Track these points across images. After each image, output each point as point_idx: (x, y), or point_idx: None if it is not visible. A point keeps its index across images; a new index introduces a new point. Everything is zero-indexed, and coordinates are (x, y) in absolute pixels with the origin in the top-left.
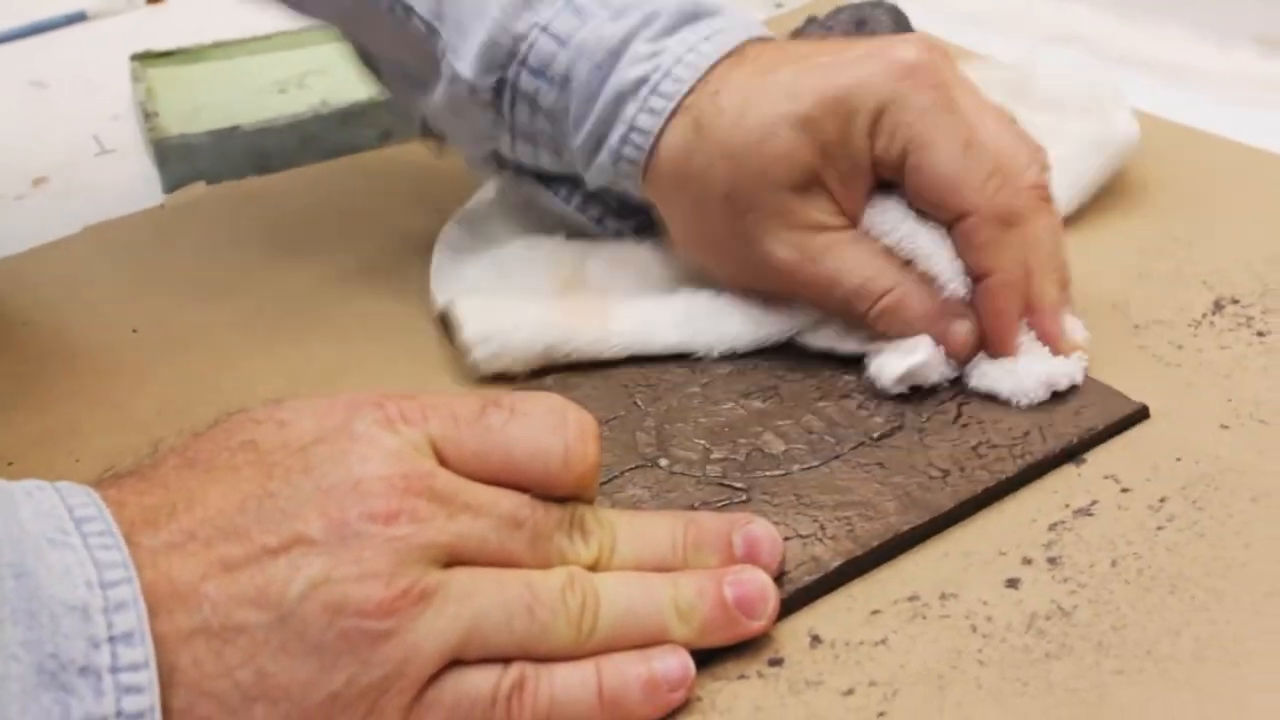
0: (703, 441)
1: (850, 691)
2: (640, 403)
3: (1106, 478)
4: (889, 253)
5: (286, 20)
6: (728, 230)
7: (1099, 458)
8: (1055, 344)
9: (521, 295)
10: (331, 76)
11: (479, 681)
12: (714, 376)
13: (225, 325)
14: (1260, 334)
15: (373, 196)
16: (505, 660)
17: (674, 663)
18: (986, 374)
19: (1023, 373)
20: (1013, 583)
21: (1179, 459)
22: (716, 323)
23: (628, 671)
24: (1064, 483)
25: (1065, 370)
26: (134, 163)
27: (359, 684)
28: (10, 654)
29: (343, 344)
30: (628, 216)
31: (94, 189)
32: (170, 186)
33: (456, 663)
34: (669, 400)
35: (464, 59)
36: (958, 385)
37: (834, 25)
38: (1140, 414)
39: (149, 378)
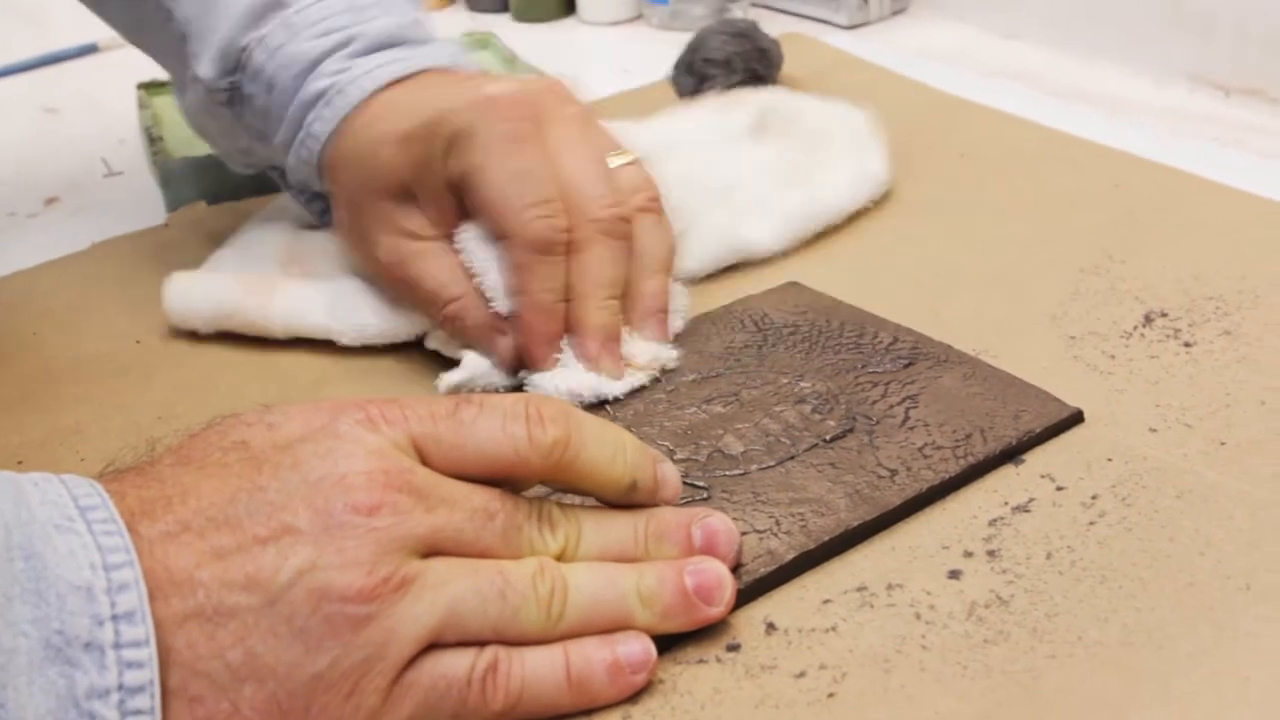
0: (667, 443)
1: (802, 674)
2: (609, 408)
3: (1043, 477)
4: (456, 269)
5: None
6: (353, 228)
7: (1036, 458)
8: (591, 363)
9: (237, 267)
10: None
11: (455, 663)
12: (678, 384)
13: (221, 336)
14: (1187, 345)
15: None
16: (480, 644)
17: (637, 647)
18: (532, 384)
19: (556, 383)
20: (955, 574)
21: (1110, 459)
22: (356, 313)
23: (593, 655)
24: (1003, 482)
25: (598, 385)
26: (139, 184)
27: (342, 665)
28: (19, 630)
29: (329, 354)
30: None
31: (102, 208)
32: (173, 206)
33: (434, 646)
34: (636, 405)
35: (204, 63)
36: (906, 390)
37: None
38: (1075, 418)
39: (150, 384)
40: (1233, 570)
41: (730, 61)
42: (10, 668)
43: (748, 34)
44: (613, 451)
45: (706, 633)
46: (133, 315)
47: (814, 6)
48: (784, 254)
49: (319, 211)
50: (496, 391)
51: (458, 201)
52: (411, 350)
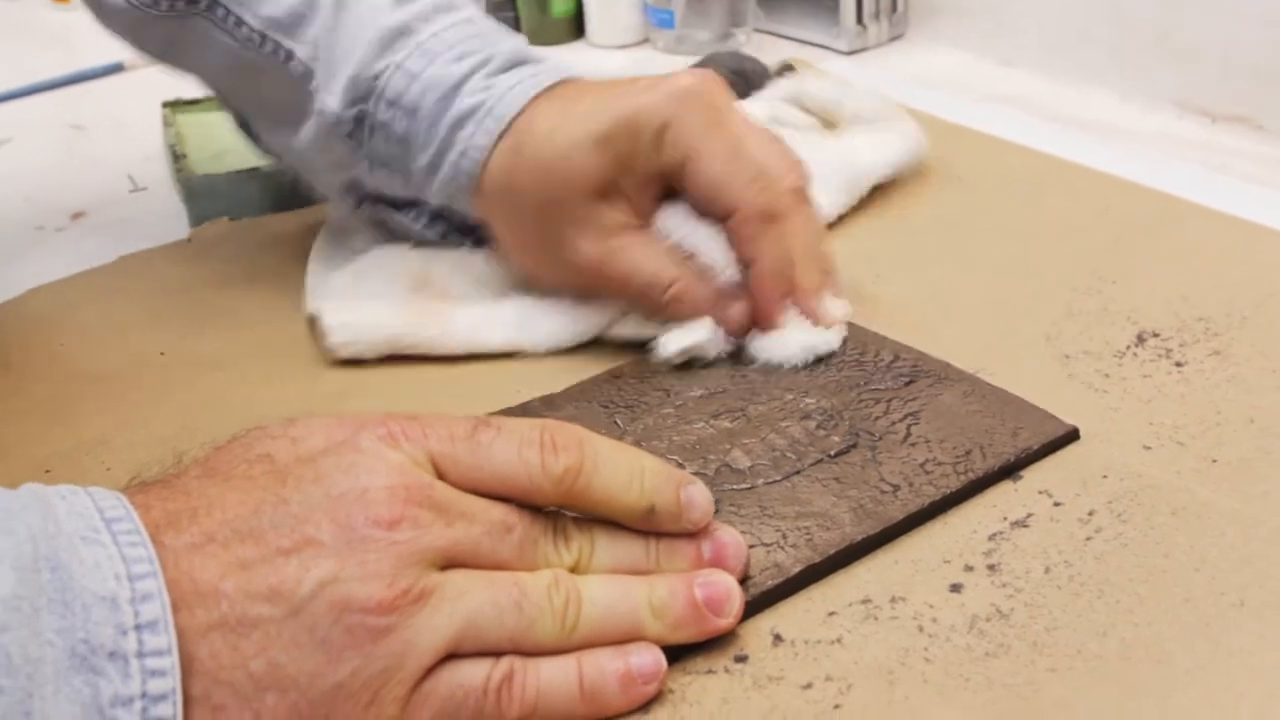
0: (676, 457)
1: (809, 685)
2: (620, 422)
3: (1041, 493)
4: (675, 250)
5: None
6: (542, 235)
7: (1034, 475)
8: (815, 319)
9: (376, 296)
10: None
11: (472, 673)
12: (686, 399)
13: (243, 348)
14: (1178, 364)
15: None
16: (496, 654)
17: (648, 658)
18: (761, 347)
19: (788, 341)
20: (956, 588)
21: (1106, 476)
22: (540, 324)
23: (606, 666)
24: (1002, 497)
25: (824, 339)
26: (164, 200)
27: (362, 675)
28: (45, 640)
29: (349, 368)
30: (467, 233)
31: (127, 223)
32: (196, 221)
33: (451, 656)
34: (645, 420)
35: (332, 94)
36: (907, 407)
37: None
38: (1071, 435)
39: (174, 396)
40: (1227, 587)
41: None
42: (37, 676)
43: (741, 72)
44: (628, 477)
45: (715, 644)
46: (156, 328)
47: (814, 32)
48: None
49: (441, 233)
50: (720, 356)
51: (659, 191)
52: (426, 368)
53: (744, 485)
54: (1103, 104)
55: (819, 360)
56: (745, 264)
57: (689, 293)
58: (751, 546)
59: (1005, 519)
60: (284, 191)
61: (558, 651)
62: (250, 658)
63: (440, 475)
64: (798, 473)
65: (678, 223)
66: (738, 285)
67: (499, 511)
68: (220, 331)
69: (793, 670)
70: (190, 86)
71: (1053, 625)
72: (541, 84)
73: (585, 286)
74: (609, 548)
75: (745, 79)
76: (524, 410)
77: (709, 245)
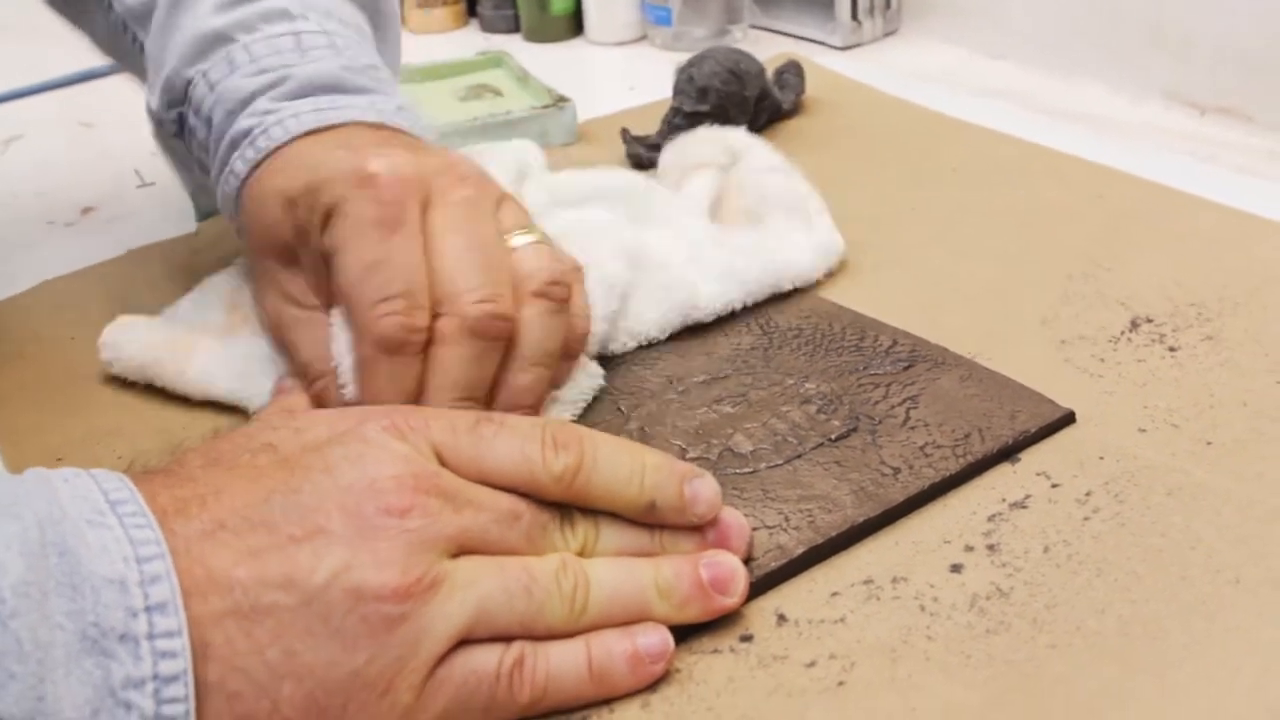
0: (679, 442)
1: (813, 664)
2: (624, 408)
3: (1039, 474)
4: (324, 343)
5: None
6: (257, 278)
7: (1032, 457)
8: None
9: (179, 321)
10: None
11: (484, 659)
12: (689, 385)
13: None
14: (1171, 349)
15: None
16: (507, 639)
17: (655, 638)
18: None
19: None
20: (956, 568)
21: (1102, 458)
22: (261, 379)
23: (614, 647)
24: (1001, 479)
25: None
26: (171, 195)
27: (377, 664)
28: (55, 623)
29: None
30: None
31: (135, 218)
32: (203, 216)
33: (463, 642)
34: (649, 406)
35: (154, 94)
36: (906, 391)
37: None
38: (1068, 418)
39: None
40: (1222, 565)
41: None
42: (48, 660)
43: (736, 69)
44: (628, 474)
45: (720, 623)
46: None
47: (809, 28)
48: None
49: None
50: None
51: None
52: None
53: (747, 469)
54: (1093, 97)
55: (813, 347)
56: (359, 389)
57: (324, 398)
58: (755, 529)
59: (1004, 500)
60: None
61: (567, 634)
62: (265, 646)
63: (443, 465)
64: (799, 456)
65: (339, 320)
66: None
67: (506, 500)
68: None
69: (797, 649)
70: None
71: (1052, 603)
72: (321, 121)
73: (273, 341)
74: (614, 532)
75: (739, 78)
76: None
77: (341, 353)
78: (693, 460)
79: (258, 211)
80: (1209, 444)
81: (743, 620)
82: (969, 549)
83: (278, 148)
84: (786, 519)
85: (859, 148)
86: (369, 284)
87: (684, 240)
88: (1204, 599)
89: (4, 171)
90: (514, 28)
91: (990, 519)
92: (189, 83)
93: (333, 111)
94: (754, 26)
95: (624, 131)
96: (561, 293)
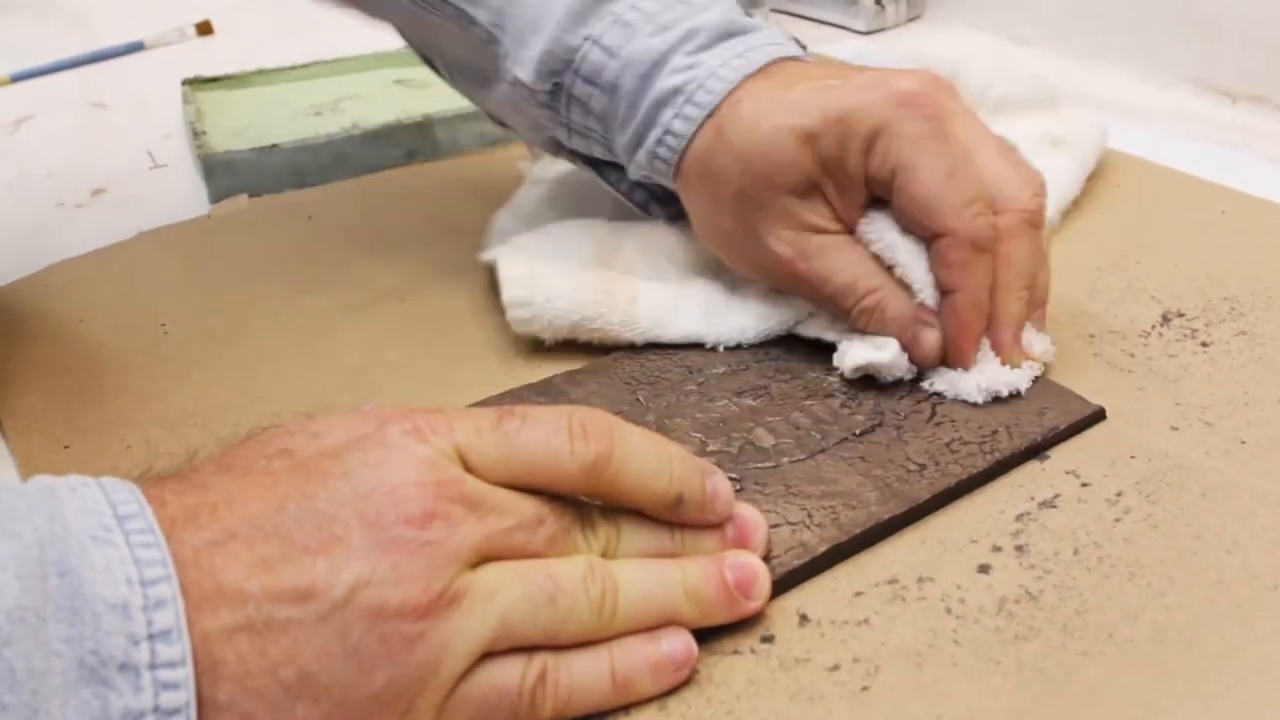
0: (699, 435)
1: (836, 667)
2: (642, 399)
3: (1068, 473)
4: (877, 259)
5: (322, 51)
6: (737, 225)
7: (1061, 455)
8: (1003, 355)
9: (561, 259)
10: (363, 102)
11: (506, 675)
12: (709, 376)
13: (261, 324)
14: (1204, 344)
15: (398, 210)
16: (531, 649)
17: (679, 644)
18: (942, 377)
19: (966, 378)
20: (984, 568)
21: (1133, 456)
22: (726, 317)
23: (638, 655)
24: (1029, 477)
25: (1007, 380)
26: (183, 176)
27: (397, 684)
28: (53, 650)
29: (368, 344)
30: (670, 203)
31: (147, 200)
32: (215, 198)
33: (485, 655)
34: (668, 397)
35: (523, 66)
36: (929, 387)
37: None
38: (1098, 415)
39: (193, 371)
40: (1260, 569)
41: None
42: (43, 690)
43: None
44: (657, 465)
45: (741, 624)
46: (176, 303)
47: (832, 12)
48: None
49: (643, 200)
50: (900, 381)
51: (865, 197)
52: (446, 341)
53: (769, 464)
54: (1120, 83)
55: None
56: (944, 291)
57: (884, 307)
58: (776, 526)
59: (1033, 499)
60: (303, 167)
61: (594, 640)
62: (279, 664)
63: (468, 469)
64: (822, 451)
65: (881, 231)
66: (936, 311)
67: (530, 505)
68: (239, 307)
69: (819, 651)
70: (211, 65)
71: (1083, 608)
72: (752, 64)
73: (774, 282)
74: (635, 534)
75: None
76: (546, 386)
77: (911, 261)
78: (713, 454)
79: (757, 155)
80: (1243, 443)
81: (764, 620)
82: (996, 549)
83: (727, 96)
84: (809, 515)
85: None
86: (955, 189)
87: None
88: (1241, 604)
89: (14, 152)
90: None
91: (1019, 518)
92: (572, 51)
93: (756, 53)
94: (775, 10)
95: None
96: (1046, 199)
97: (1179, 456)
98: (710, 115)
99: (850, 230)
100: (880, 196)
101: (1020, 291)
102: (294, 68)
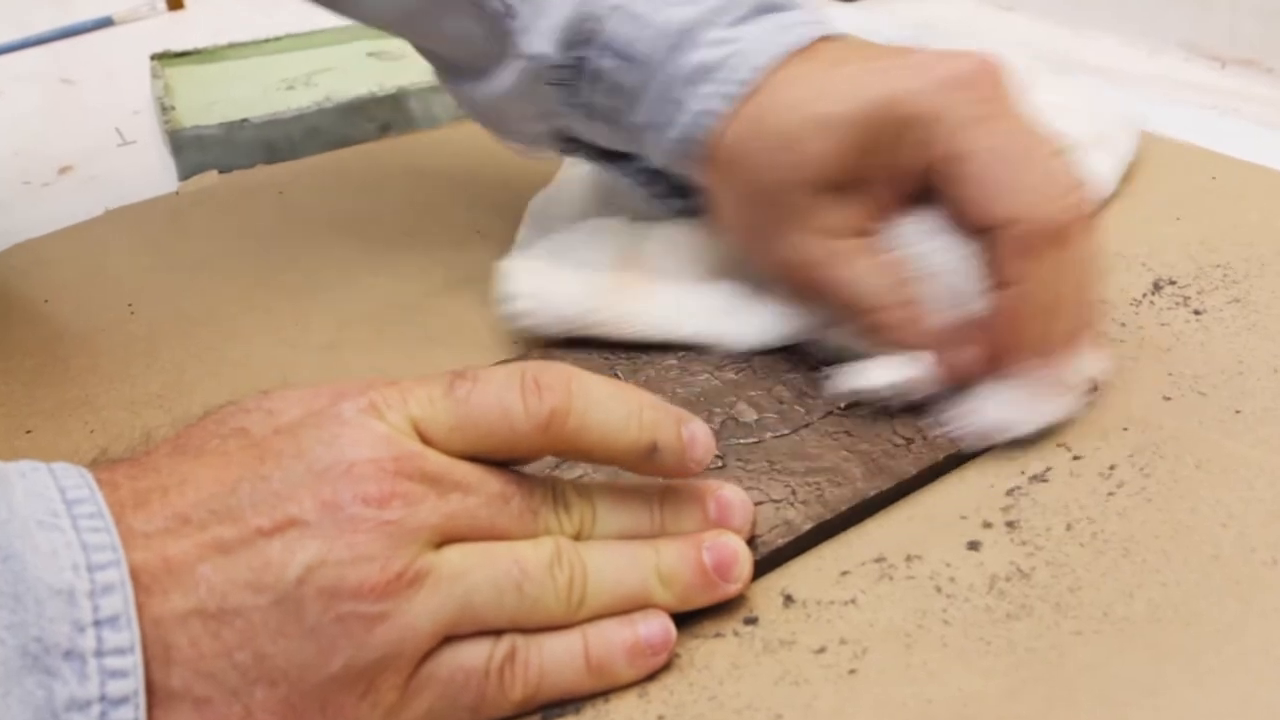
0: None
1: (822, 649)
2: (620, 374)
3: (1059, 446)
4: (905, 267)
5: (295, 24)
6: (761, 219)
7: (1051, 426)
8: (1055, 382)
9: (577, 267)
10: (335, 75)
11: (472, 655)
12: (689, 349)
13: (231, 303)
14: (1196, 312)
15: (371, 185)
16: (497, 632)
17: (656, 627)
18: (977, 411)
19: (987, 406)
20: (974, 545)
21: (1126, 428)
22: (749, 317)
23: (613, 638)
24: (1019, 451)
25: (1044, 412)
26: (152, 153)
27: (356, 665)
28: None
29: (339, 320)
30: (685, 195)
31: (115, 177)
32: (185, 174)
33: (449, 638)
34: (647, 371)
35: (543, 36)
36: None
37: None
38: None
39: (160, 352)
40: (1257, 543)
41: None
42: None
43: None
44: (625, 414)
45: (724, 606)
46: (142, 283)
47: None
48: None
49: (660, 191)
50: (926, 400)
51: (905, 193)
52: (416, 316)
53: (751, 439)
54: (1108, 47)
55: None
56: (1002, 285)
57: (902, 326)
58: (760, 503)
59: (1023, 473)
60: (274, 142)
61: (564, 627)
62: (234, 648)
63: (425, 441)
64: (806, 426)
65: (919, 235)
66: (972, 325)
67: (496, 481)
68: (208, 285)
69: (805, 633)
70: (180, 40)
71: (1076, 585)
72: (796, 40)
73: (791, 285)
74: (611, 513)
75: None
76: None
77: (954, 267)
78: None
79: (783, 145)
80: (1238, 412)
81: (747, 601)
82: (987, 525)
83: (763, 77)
84: (793, 492)
85: None
86: (1024, 169)
87: None
88: (1238, 580)
89: None
90: None
91: (1009, 493)
92: (599, 20)
93: (799, 30)
94: None
95: None
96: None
97: (1172, 427)
98: (752, 94)
99: (873, 234)
100: (926, 192)
101: (1079, 306)
102: (266, 41)
